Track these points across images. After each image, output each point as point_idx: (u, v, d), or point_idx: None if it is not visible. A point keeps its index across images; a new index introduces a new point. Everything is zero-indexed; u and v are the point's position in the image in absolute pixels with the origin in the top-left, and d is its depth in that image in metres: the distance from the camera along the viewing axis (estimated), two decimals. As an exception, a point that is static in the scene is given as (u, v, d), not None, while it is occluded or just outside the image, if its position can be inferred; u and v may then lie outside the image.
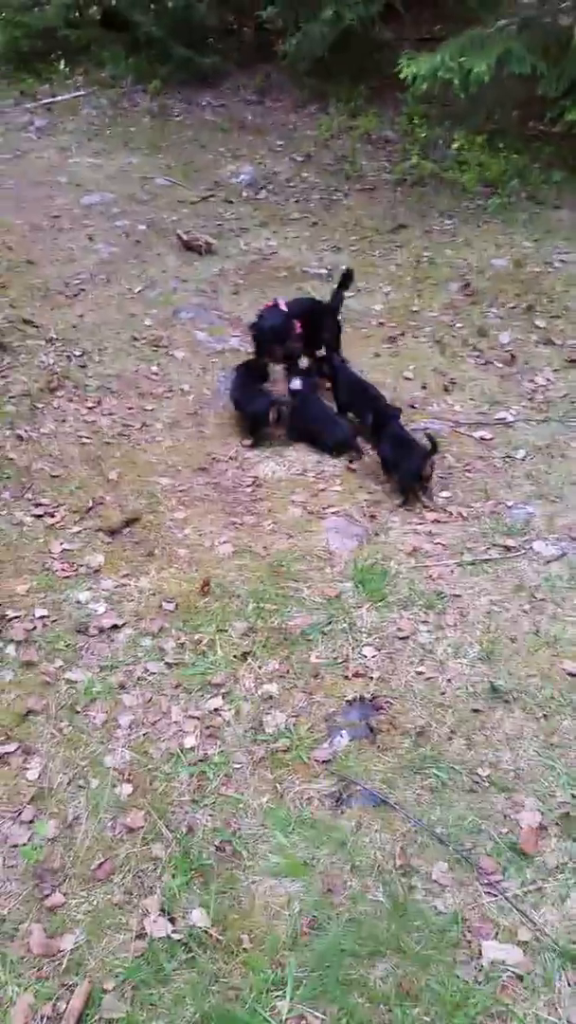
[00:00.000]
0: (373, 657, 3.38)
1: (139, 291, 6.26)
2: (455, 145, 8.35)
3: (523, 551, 4.01)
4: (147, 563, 3.83)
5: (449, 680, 3.29)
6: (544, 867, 2.64)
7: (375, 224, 7.53)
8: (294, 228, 7.42)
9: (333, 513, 4.26)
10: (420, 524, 4.23)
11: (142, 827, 2.75)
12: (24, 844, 2.66)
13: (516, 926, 2.46)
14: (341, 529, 4.15)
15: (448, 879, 2.59)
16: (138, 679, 3.22)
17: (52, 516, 4.02)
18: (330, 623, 3.53)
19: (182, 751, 2.97)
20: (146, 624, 3.47)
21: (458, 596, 3.72)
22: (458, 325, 6.03)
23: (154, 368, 5.38)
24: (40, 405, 4.77)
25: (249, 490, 4.42)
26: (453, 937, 2.42)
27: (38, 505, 4.07)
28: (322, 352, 5.34)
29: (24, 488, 4.17)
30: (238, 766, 2.93)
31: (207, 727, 3.05)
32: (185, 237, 6.88)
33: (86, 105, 9.83)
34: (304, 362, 5.30)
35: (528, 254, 6.90)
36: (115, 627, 3.43)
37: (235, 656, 3.33)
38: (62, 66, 10.46)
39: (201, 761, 2.94)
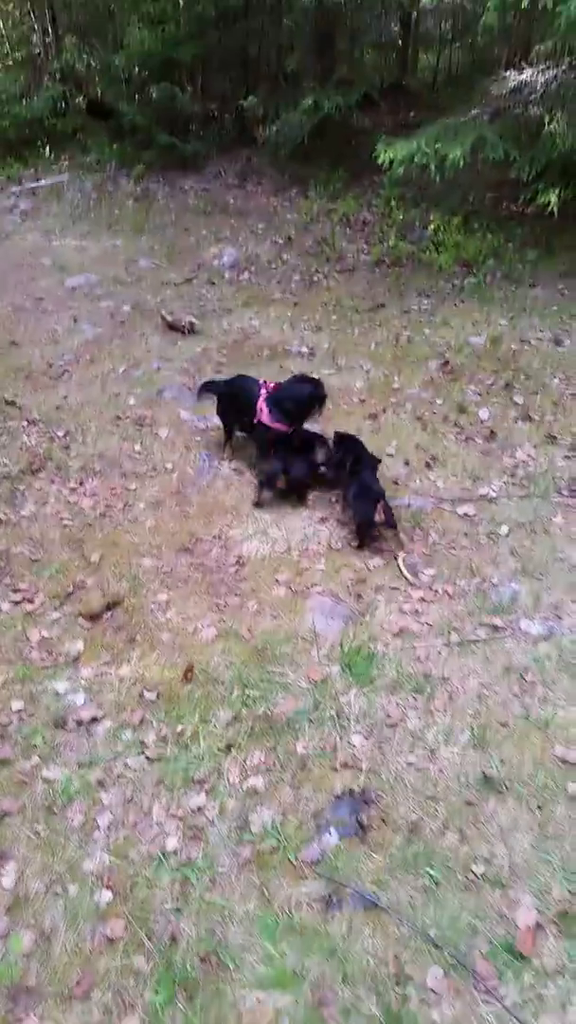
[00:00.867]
0: (362, 746, 3.29)
1: (123, 371, 6.31)
2: (431, 226, 8.62)
3: (510, 630, 3.96)
4: (128, 649, 3.74)
5: (440, 770, 3.20)
6: (543, 970, 2.52)
7: (355, 304, 7.69)
8: (276, 308, 7.56)
9: (318, 592, 4.21)
10: (406, 603, 4.18)
11: (122, 937, 2.61)
12: (-3, 960, 2.51)
13: (517, 1039, 2.34)
14: (326, 609, 4.09)
15: (443, 986, 2.46)
16: (118, 776, 3.11)
17: (31, 602, 3.95)
18: (317, 709, 3.45)
19: (164, 854, 2.84)
20: (126, 716, 3.36)
21: (447, 679, 3.65)
22: (438, 402, 6.10)
23: (137, 447, 5.38)
24: (21, 487, 4.74)
25: (233, 570, 4.37)
26: (452, 1054, 2.29)
27: (16, 591, 4.00)
28: None
29: (2, 573, 4.10)
30: (223, 869, 2.80)
31: (190, 827, 2.93)
32: (169, 318, 6.99)
33: (70, 189, 10.10)
34: None
35: (504, 332, 7.04)
36: (94, 719, 3.33)
37: (219, 748, 3.23)
38: (47, 152, 10.78)
39: (184, 865, 2.81)
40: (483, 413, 5.97)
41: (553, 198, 7.99)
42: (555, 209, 7.99)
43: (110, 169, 10.38)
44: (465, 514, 4.88)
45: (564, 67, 8.26)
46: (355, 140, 10.16)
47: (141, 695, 3.47)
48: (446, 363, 6.61)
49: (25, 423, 5.33)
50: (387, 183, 8.75)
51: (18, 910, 2.66)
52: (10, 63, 12.28)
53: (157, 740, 3.27)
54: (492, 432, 5.76)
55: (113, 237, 8.89)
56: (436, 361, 6.64)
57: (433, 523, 4.79)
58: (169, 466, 5.23)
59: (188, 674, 3.57)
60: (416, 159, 7.36)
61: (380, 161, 7.54)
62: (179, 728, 3.32)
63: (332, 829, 2.92)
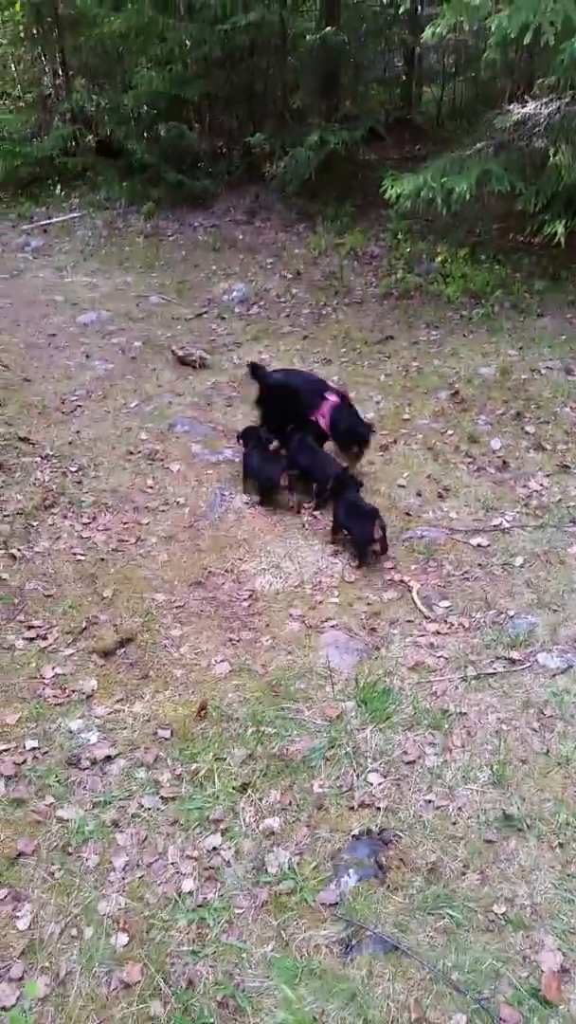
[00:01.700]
0: (379, 784, 3.24)
1: (135, 406, 6.35)
2: (439, 258, 8.68)
3: (528, 664, 3.92)
4: (142, 686, 3.73)
5: (460, 808, 3.15)
6: (570, 1017, 2.46)
7: (364, 336, 7.73)
8: (286, 342, 7.62)
9: (332, 627, 4.19)
10: (421, 636, 4.15)
11: (139, 981, 2.56)
12: (12, 1007, 2.47)
13: None
14: (341, 644, 4.07)
15: (468, 1034, 2.41)
16: (132, 816, 3.07)
17: (44, 639, 3.94)
18: (333, 747, 3.41)
19: (180, 895, 2.80)
20: (140, 754, 3.34)
21: (464, 714, 3.61)
22: (449, 432, 6.11)
23: (149, 482, 5.40)
24: (35, 523, 4.76)
25: (246, 604, 4.35)
26: None
27: (30, 627, 4.00)
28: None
29: (16, 610, 4.10)
30: (240, 911, 2.76)
31: (206, 868, 2.89)
32: (180, 352, 7.05)
33: (81, 227, 10.25)
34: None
35: (514, 362, 7.06)
36: (108, 758, 3.30)
37: (234, 787, 3.19)
38: (58, 190, 10.96)
39: (200, 906, 2.77)
40: (495, 443, 5.97)
41: (560, 228, 8.03)
42: (562, 240, 8.03)
43: (120, 206, 10.55)
44: (479, 545, 4.87)
45: (567, 99, 8.36)
46: (361, 175, 10.30)
47: (155, 733, 3.45)
48: (456, 393, 6.63)
49: (39, 459, 5.37)
50: (394, 217, 8.85)
51: (33, 953, 2.62)
52: (22, 104, 12.56)
53: (172, 779, 3.24)
54: (504, 462, 5.75)
55: (124, 274, 9.00)
56: (446, 392, 6.66)
57: (447, 555, 4.77)
58: (181, 500, 5.24)
59: (202, 711, 3.55)
60: (423, 193, 7.44)
61: (387, 196, 7.62)
62: (193, 767, 3.29)
63: (350, 870, 2.87)
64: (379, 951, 2.62)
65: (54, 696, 3.61)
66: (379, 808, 3.13)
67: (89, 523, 4.89)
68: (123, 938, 2.68)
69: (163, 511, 5.13)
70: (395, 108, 13.19)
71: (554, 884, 2.85)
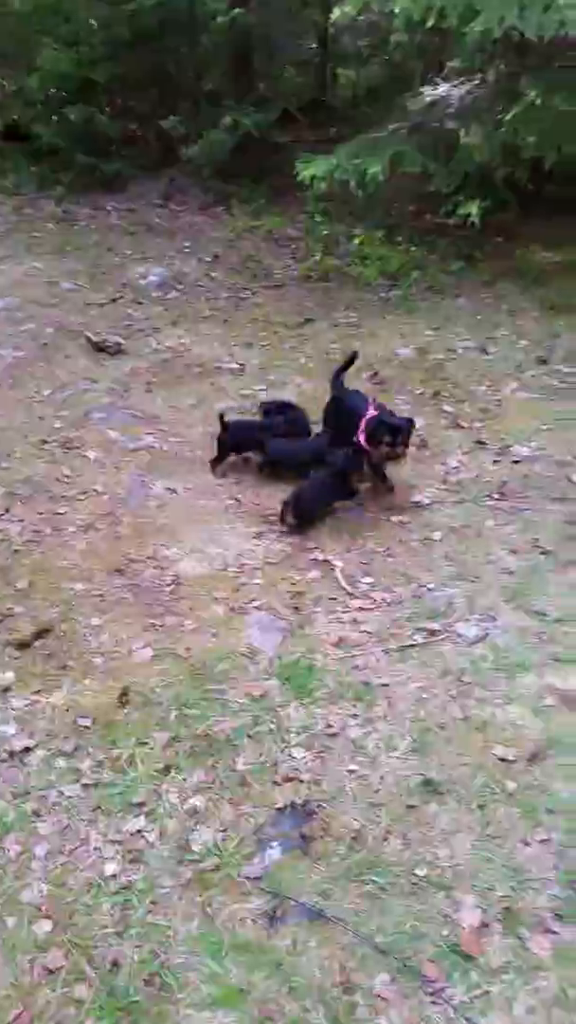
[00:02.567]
0: (303, 758, 3.27)
1: (48, 394, 6.22)
2: (356, 241, 8.73)
3: (447, 634, 4.00)
4: (60, 676, 3.67)
5: (382, 777, 3.20)
6: (489, 969, 2.53)
7: (283, 319, 7.73)
8: (205, 326, 7.56)
9: (255, 608, 4.20)
10: (345, 613, 4.20)
11: (63, 966, 2.54)
12: None
13: (466, 1039, 2.34)
14: (264, 624, 4.08)
15: (391, 992, 2.46)
16: (53, 804, 3.04)
17: (-42, 633, 3.85)
18: (256, 725, 3.42)
19: (103, 880, 2.78)
20: (60, 744, 3.29)
21: (386, 685, 3.67)
22: (370, 413, 6.16)
23: (66, 470, 5.30)
24: (-56, 519, 4.63)
25: (168, 590, 4.33)
26: (401, 1060, 2.28)
27: (-56, 622, 3.90)
28: None
29: None
30: (164, 891, 2.76)
31: (129, 851, 2.88)
32: (94, 338, 6.93)
33: (-13, 214, 9.96)
34: None
35: (431, 342, 7.16)
36: (27, 749, 3.25)
37: (157, 770, 3.18)
38: (-38, 177, 10.63)
39: (124, 888, 2.76)
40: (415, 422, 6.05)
41: (474, 210, 8.17)
42: (476, 221, 8.17)
43: (29, 192, 10.29)
44: (400, 522, 4.94)
45: (477, 82, 8.50)
46: (277, 157, 10.25)
47: (75, 722, 3.40)
48: (376, 374, 6.69)
49: (-54, 453, 5.22)
50: (311, 199, 8.85)
51: (-47, 949, 2.57)
52: None
53: (93, 766, 3.20)
54: (424, 441, 5.84)
55: (34, 259, 8.78)
56: (366, 373, 6.71)
57: (369, 532, 4.83)
58: (99, 488, 5.17)
59: (123, 698, 3.52)
60: (336, 175, 7.47)
61: (300, 178, 7.62)
62: (115, 753, 3.26)
63: (274, 843, 2.90)
64: (304, 920, 2.66)
65: (-30, 692, 3.53)
66: (303, 781, 3.16)
67: (2, 515, 4.78)
68: (46, 925, 2.65)
69: (80, 500, 5.05)
70: (310, 90, 13.18)
71: (474, 845, 2.92)
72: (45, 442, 5.57)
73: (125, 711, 3.46)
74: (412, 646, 3.91)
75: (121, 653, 3.83)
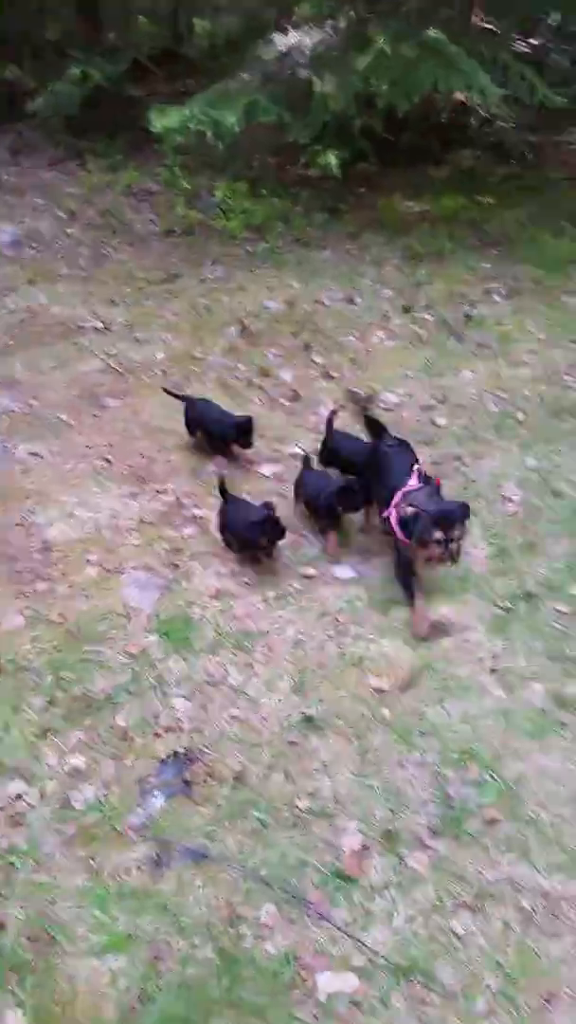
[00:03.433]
0: (184, 708, 3.31)
1: None
2: (218, 194, 8.59)
3: (323, 578, 4.09)
4: None
5: (263, 718, 3.27)
6: (370, 888, 2.66)
7: (148, 275, 7.56)
8: (65, 284, 7.29)
9: (132, 567, 4.16)
10: (223, 566, 4.22)
11: (-54, 938, 2.50)
12: None
13: (349, 953, 2.45)
14: (141, 583, 4.05)
15: (277, 920, 2.54)
16: None
17: None
18: (136, 681, 3.42)
19: (-16, 846, 2.74)
20: None
21: (265, 632, 3.73)
22: (241, 367, 6.15)
23: None
24: None
25: (39, 556, 4.21)
26: (287, 978, 2.37)
27: None
28: None
29: None
30: (47, 850, 2.74)
31: (10, 816, 2.84)
32: (-56, 302, 6.59)
33: None
34: None
35: (299, 295, 7.17)
36: None
37: (35, 734, 3.13)
38: None
39: (7, 852, 2.73)
40: (286, 375, 6.08)
41: (332, 160, 8.18)
42: (336, 171, 8.19)
43: None
44: (275, 474, 4.98)
45: (328, 29, 8.43)
46: (133, 111, 9.88)
47: (-57, 697, 3.30)
48: (245, 329, 6.66)
49: None
50: (169, 152, 8.61)
51: None
52: None
53: (-34, 737, 3.13)
54: (296, 393, 5.88)
55: None
56: (235, 328, 6.67)
57: (244, 486, 4.84)
58: (-45, 456, 4.95)
59: (-4, 666, 3.43)
60: (191, 126, 7.29)
61: (153, 129, 7.40)
62: (-10, 721, 3.19)
63: (157, 792, 2.93)
64: (188, 862, 2.70)
65: None
66: (184, 730, 3.20)
67: None
68: None
69: None
70: (164, 40, 12.76)
71: (353, 774, 3.03)
72: None
73: (-2, 680, 3.38)
74: (290, 592, 3.98)
75: (-10, 623, 3.72)
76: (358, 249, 8.27)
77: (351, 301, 7.16)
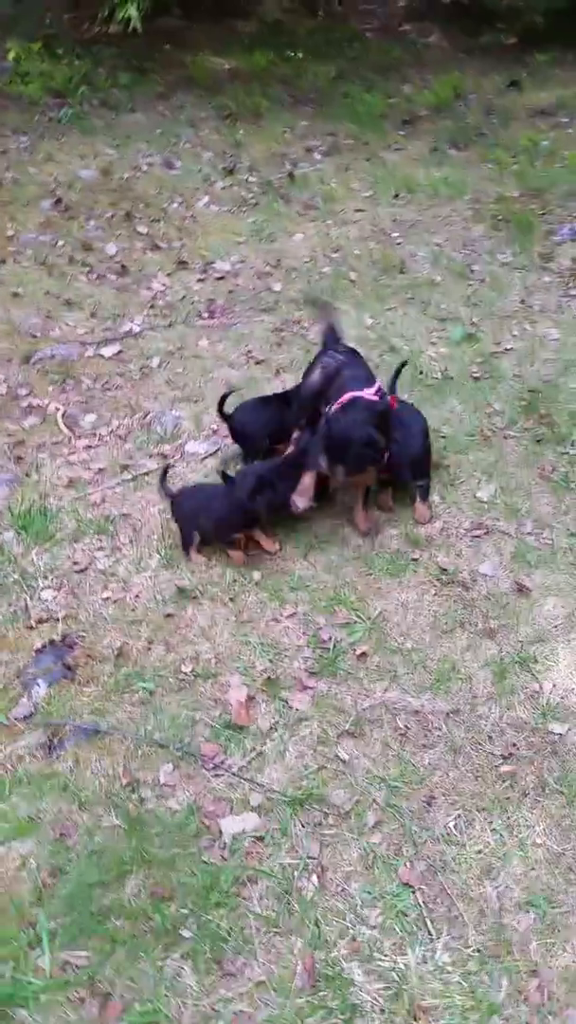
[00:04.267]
0: (54, 598, 3.27)
1: None
2: (11, 56, 7.84)
3: (179, 456, 4.07)
4: None
5: (137, 596, 3.29)
6: (260, 733, 2.79)
7: (-58, 150, 6.89)
8: None
9: (-27, 464, 3.98)
10: (72, 454, 4.11)
11: None
12: None
13: (247, 794, 2.59)
14: (-13, 479, 3.89)
15: (175, 778, 2.64)
16: None
17: None
18: (-1, 580, 3.34)
19: None
20: None
21: (127, 515, 3.70)
22: (60, 243, 5.80)
23: None
24: None
25: None
26: (192, 829, 2.49)
27: None
28: None
29: None
30: None
31: None
32: None
33: None
34: None
35: (114, 161, 6.77)
36: None
37: None
38: None
39: None
40: (110, 248, 5.81)
41: (134, 12, 7.56)
42: (138, 26, 7.59)
43: None
44: (114, 354, 4.82)
45: None
46: None
47: None
48: (59, 201, 6.25)
49: None
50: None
51: None
52: None
53: None
54: (123, 267, 5.64)
55: None
56: (48, 200, 6.24)
57: (83, 369, 4.67)
58: None
59: None
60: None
61: None
62: None
63: (39, 680, 2.91)
64: (82, 740, 2.74)
65: None
66: (58, 619, 3.17)
67: None
68: None
69: None
70: None
71: (232, 633, 3.12)
72: None
73: None
74: (147, 473, 3.94)
75: None
76: (171, 110, 7.84)
77: (170, 165, 6.84)
